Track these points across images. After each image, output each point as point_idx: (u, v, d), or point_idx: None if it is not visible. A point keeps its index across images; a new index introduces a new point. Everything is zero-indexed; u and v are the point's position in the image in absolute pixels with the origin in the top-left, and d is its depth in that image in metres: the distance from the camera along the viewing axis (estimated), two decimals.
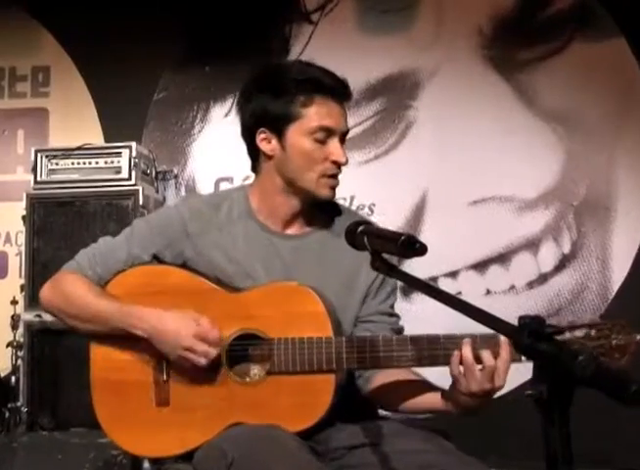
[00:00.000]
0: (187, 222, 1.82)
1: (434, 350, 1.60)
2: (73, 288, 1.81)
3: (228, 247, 1.81)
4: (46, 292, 1.86)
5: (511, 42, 3.94)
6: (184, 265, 1.83)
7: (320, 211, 1.87)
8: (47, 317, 3.48)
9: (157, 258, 1.83)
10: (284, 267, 1.80)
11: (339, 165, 1.77)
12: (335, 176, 1.79)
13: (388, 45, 4.00)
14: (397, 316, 1.86)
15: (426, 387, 1.70)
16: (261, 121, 1.79)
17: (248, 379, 1.72)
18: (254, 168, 1.87)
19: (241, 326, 1.72)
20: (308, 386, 1.67)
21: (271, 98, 1.77)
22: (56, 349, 3.56)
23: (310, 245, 1.83)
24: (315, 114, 1.75)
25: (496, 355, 1.52)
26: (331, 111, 1.76)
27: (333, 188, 1.79)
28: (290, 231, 1.85)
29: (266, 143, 1.80)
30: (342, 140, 1.80)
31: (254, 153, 1.84)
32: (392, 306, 1.86)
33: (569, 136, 3.87)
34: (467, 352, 1.54)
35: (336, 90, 1.78)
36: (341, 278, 1.80)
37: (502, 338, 1.52)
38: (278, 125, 1.77)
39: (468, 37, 3.97)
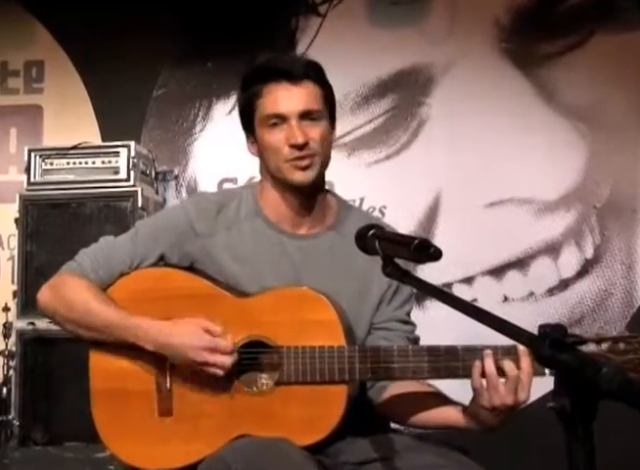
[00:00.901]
0: (194, 221, 1.83)
1: (453, 361, 1.61)
2: (75, 292, 1.81)
3: (236, 246, 1.83)
4: (45, 295, 1.86)
5: (530, 35, 3.93)
6: (191, 267, 1.84)
7: (332, 211, 1.89)
8: (41, 325, 3.49)
9: (163, 260, 1.84)
10: (293, 268, 1.81)
11: (299, 147, 1.77)
12: (301, 158, 1.78)
13: (400, 38, 4.00)
14: (413, 325, 1.87)
15: (442, 400, 1.71)
16: (243, 127, 1.88)
17: (255, 389, 1.72)
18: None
19: (249, 333, 1.72)
20: (319, 397, 1.68)
21: (240, 100, 1.88)
22: (50, 358, 3.56)
23: (321, 246, 1.84)
24: (264, 103, 1.80)
25: (518, 367, 1.53)
26: (277, 96, 1.79)
27: (302, 169, 1.79)
28: (300, 231, 1.86)
29: (252, 146, 1.88)
30: (309, 119, 1.79)
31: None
32: (409, 314, 1.87)
33: (591, 134, 3.86)
34: (489, 363, 1.55)
35: (282, 71, 1.80)
36: (354, 282, 1.81)
37: (521, 348, 1.52)
38: (249, 126, 1.86)
39: (484, 30, 3.97)
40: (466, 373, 1.58)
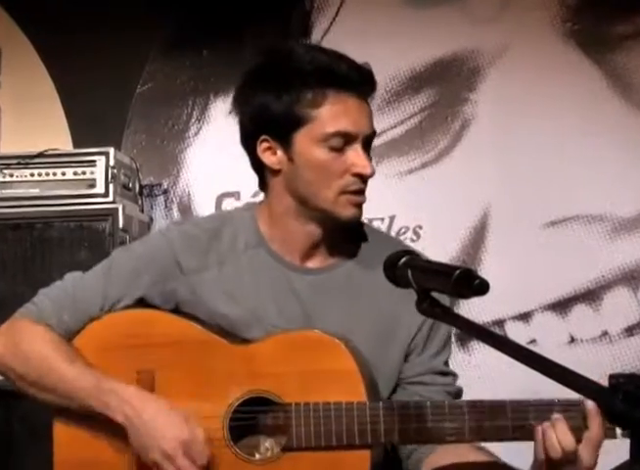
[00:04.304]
0: (179, 255, 1.85)
1: (499, 420, 1.61)
2: (34, 345, 1.83)
3: (231, 284, 1.84)
4: None
5: (601, 13, 3.93)
6: (177, 310, 1.85)
7: (348, 237, 1.90)
8: None
9: (142, 302, 1.86)
10: (301, 308, 1.83)
11: (363, 179, 1.79)
12: (359, 192, 1.80)
13: (439, 20, 4.01)
14: (453, 375, 1.88)
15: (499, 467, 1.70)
16: (262, 127, 1.83)
17: (257, 456, 1.73)
18: (262, 186, 1.91)
19: (249, 387, 1.74)
20: (336, 466, 1.69)
21: (272, 96, 1.80)
22: (8, 416, 3.56)
23: (335, 281, 1.85)
24: (328, 115, 1.77)
25: (585, 426, 1.53)
26: (348, 109, 1.78)
27: (358, 205, 1.81)
28: (310, 264, 1.88)
29: (270, 154, 1.83)
30: (367, 145, 1.81)
31: (259, 167, 1.88)
32: (447, 363, 1.88)
33: None
34: (565, 433, 1.53)
35: (354, 81, 1.79)
36: (375, 324, 1.82)
37: (590, 405, 1.52)
38: (283, 132, 1.80)
39: (544, 7, 3.98)
40: (517, 435, 1.58)
